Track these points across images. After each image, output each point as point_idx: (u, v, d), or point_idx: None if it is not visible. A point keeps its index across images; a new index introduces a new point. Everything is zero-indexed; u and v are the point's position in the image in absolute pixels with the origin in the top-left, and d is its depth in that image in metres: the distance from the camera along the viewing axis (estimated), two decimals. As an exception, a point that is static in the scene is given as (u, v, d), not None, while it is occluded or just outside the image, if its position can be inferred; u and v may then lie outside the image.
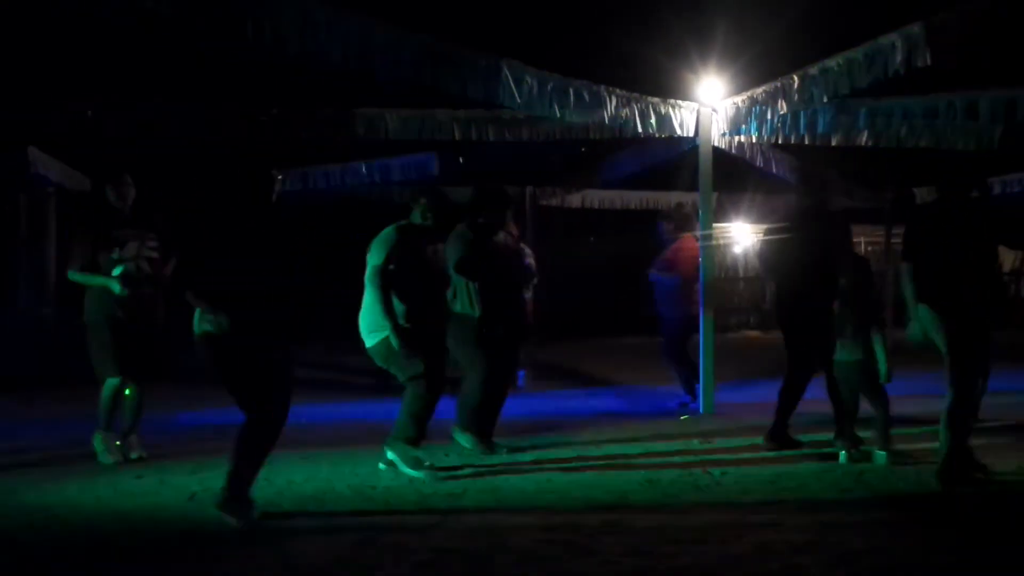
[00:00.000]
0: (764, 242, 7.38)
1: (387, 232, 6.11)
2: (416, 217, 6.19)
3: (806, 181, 7.23)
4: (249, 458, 4.88)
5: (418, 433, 6.01)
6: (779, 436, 6.70)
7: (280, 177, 5.20)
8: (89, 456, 6.36)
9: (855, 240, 21.83)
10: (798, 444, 6.70)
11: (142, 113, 9.14)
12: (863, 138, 9.73)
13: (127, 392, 6.48)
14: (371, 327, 6.08)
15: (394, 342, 5.89)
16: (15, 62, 13.48)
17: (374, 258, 6.02)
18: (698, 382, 8.63)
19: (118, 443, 6.44)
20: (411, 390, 6.01)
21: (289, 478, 5.82)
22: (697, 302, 8.85)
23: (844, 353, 6.22)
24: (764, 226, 7.97)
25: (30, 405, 9.38)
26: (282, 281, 5.01)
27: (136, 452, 6.49)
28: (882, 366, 6.09)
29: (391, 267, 5.97)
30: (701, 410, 8.42)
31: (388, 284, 5.95)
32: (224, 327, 4.77)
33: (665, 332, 9.09)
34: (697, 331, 8.93)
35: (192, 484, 5.72)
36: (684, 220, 9.16)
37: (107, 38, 13.83)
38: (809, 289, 6.56)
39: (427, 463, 5.96)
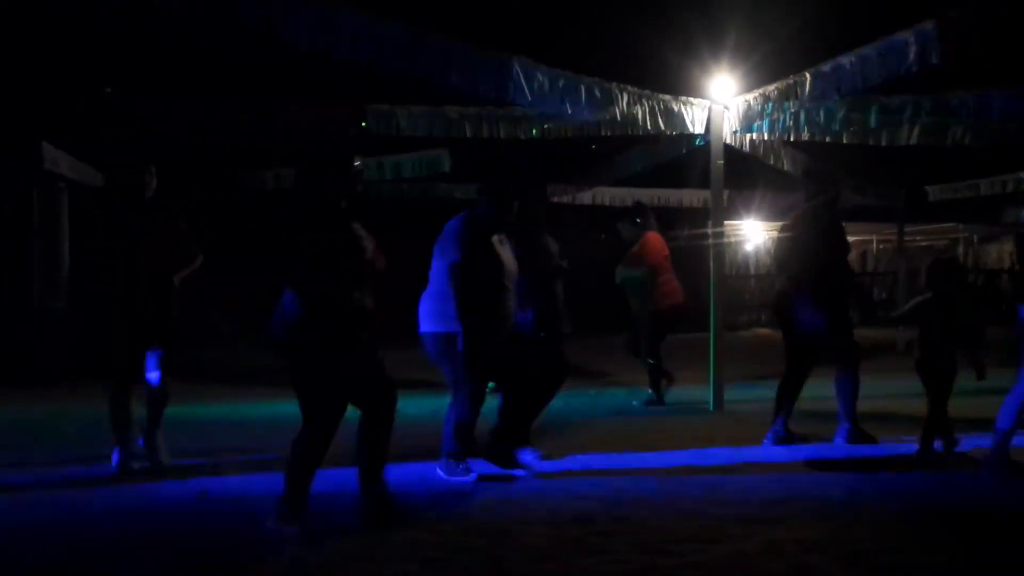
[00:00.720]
0: (775, 241, 7.34)
1: (456, 225, 5.72)
2: (483, 209, 5.79)
3: (811, 180, 7.18)
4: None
5: (459, 447, 5.76)
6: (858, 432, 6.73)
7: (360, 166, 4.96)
8: (98, 452, 6.27)
9: (874, 238, 21.76)
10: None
11: (145, 109, 9.18)
12: (875, 136, 9.70)
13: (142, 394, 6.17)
14: (436, 314, 5.69)
15: (462, 343, 5.52)
16: (24, 58, 13.54)
17: (450, 253, 5.61)
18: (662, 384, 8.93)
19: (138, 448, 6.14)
20: (456, 395, 5.74)
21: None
22: (668, 296, 8.85)
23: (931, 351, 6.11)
24: (776, 224, 7.97)
25: (41, 400, 9.42)
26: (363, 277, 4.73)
27: (154, 457, 6.16)
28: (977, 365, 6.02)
29: (470, 261, 5.57)
30: (712, 408, 8.42)
31: (467, 281, 5.56)
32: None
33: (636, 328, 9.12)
34: (672, 329, 8.95)
35: (202, 482, 5.74)
36: (644, 218, 9.14)
37: (107, 37, 13.89)
38: (804, 287, 6.54)
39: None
